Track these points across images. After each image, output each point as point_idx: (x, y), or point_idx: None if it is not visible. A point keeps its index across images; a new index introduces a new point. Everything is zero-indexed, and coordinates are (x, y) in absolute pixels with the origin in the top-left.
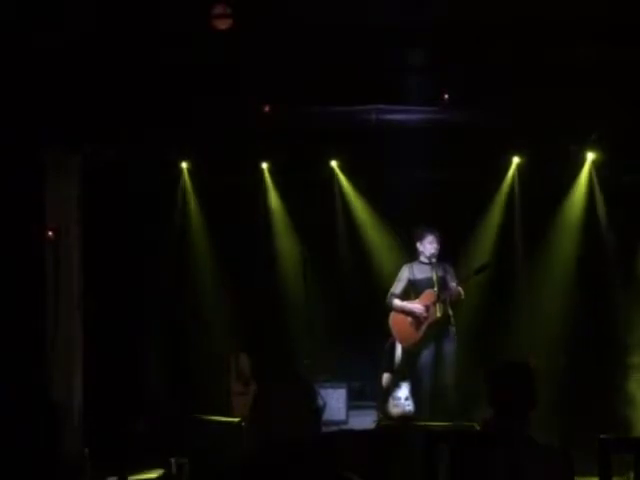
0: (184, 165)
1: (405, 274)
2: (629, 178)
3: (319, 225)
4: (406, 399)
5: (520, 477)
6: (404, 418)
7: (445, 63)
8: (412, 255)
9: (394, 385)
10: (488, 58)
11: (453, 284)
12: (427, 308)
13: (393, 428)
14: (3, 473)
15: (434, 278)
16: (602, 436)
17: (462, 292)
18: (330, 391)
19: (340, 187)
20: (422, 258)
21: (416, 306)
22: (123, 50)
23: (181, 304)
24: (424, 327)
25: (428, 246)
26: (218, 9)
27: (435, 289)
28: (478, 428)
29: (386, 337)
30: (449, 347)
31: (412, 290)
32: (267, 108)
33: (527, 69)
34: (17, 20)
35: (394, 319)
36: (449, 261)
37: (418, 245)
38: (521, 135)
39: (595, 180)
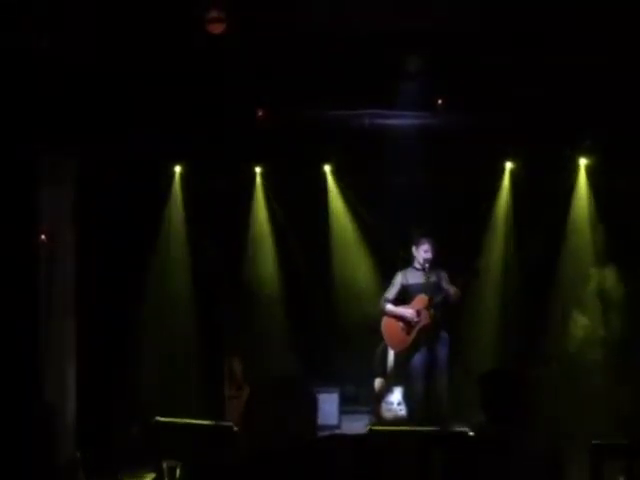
0: (177, 168)
1: (399, 279)
2: (622, 182)
3: (312, 229)
4: (399, 404)
5: None
6: (397, 423)
7: (440, 69)
8: (404, 261)
9: (387, 390)
10: (483, 64)
11: (451, 286)
12: (418, 313)
13: (386, 433)
14: None
15: (427, 283)
16: (594, 442)
17: (459, 293)
18: (323, 396)
19: (333, 191)
20: (416, 264)
21: (407, 311)
22: (117, 53)
23: (175, 308)
24: (415, 332)
25: (422, 253)
26: (212, 13)
27: (427, 294)
28: (471, 433)
29: (378, 342)
30: (442, 352)
31: (405, 295)
32: (261, 112)
33: (521, 75)
34: (11, 23)
35: (386, 324)
36: (443, 266)
37: (413, 249)
38: (515, 140)
39: (589, 184)
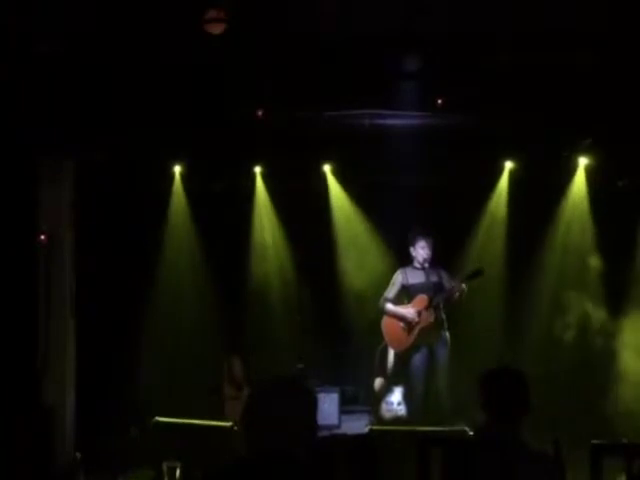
0: (177, 169)
1: (398, 279)
2: (622, 183)
3: (311, 229)
4: (399, 404)
5: None
6: (397, 423)
7: (440, 69)
8: (405, 260)
9: (387, 390)
10: (483, 65)
11: (451, 285)
12: (419, 313)
13: (386, 433)
14: None
15: (427, 283)
16: (594, 441)
17: (465, 288)
18: (322, 395)
19: (333, 191)
20: (415, 263)
21: (408, 311)
22: (116, 55)
23: (175, 307)
24: (416, 332)
25: (420, 251)
26: (212, 13)
27: (428, 294)
28: (471, 433)
29: (379, 342)
30: (442, 352)
31: (405, 295)
32: (260, 112)
33: (521, 76)
34: (12, 26)
35: (386, 323)
36: (443, 266)
37: (411, 250)
38: (515, 140)
39: (588, 185)
